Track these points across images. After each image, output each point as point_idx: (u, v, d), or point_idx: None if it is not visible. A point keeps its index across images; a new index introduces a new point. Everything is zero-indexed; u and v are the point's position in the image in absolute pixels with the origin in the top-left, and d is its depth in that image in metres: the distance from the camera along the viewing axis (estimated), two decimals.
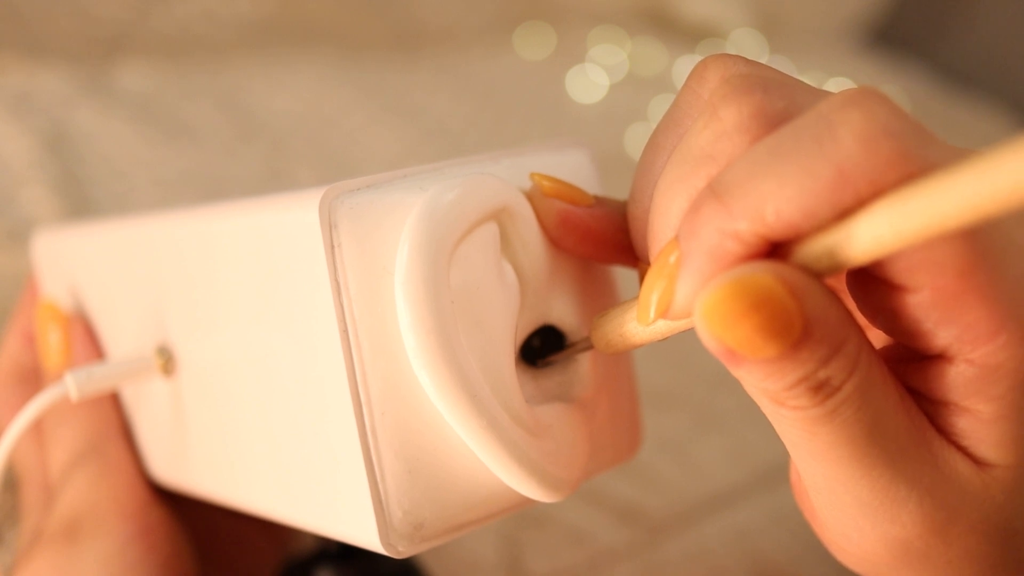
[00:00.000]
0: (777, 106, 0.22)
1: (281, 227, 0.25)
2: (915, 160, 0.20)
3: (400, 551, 0.25)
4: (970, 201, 0.18)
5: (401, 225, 0.24)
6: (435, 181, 0.25)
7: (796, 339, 0.20)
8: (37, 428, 0.37)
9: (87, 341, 0.37)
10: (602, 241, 0.27)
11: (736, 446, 0.56)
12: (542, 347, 0.27)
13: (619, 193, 0.28)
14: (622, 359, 0.30)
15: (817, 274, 0.21)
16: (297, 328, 0.26)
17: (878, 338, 0.25)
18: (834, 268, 0.20)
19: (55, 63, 0.58)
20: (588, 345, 0.27)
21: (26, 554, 0.34)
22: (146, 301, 0.33)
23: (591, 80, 0.74)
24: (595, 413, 0.28)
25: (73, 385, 0.32)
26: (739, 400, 0.58)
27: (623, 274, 0.30)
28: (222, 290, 0.29)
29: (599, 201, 0.27)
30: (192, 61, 0.63)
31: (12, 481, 0.39)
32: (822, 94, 0.23)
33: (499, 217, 0.25)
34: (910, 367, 0.23)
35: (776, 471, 0.55)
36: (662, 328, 0.24)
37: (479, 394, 0.24)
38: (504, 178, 0.26)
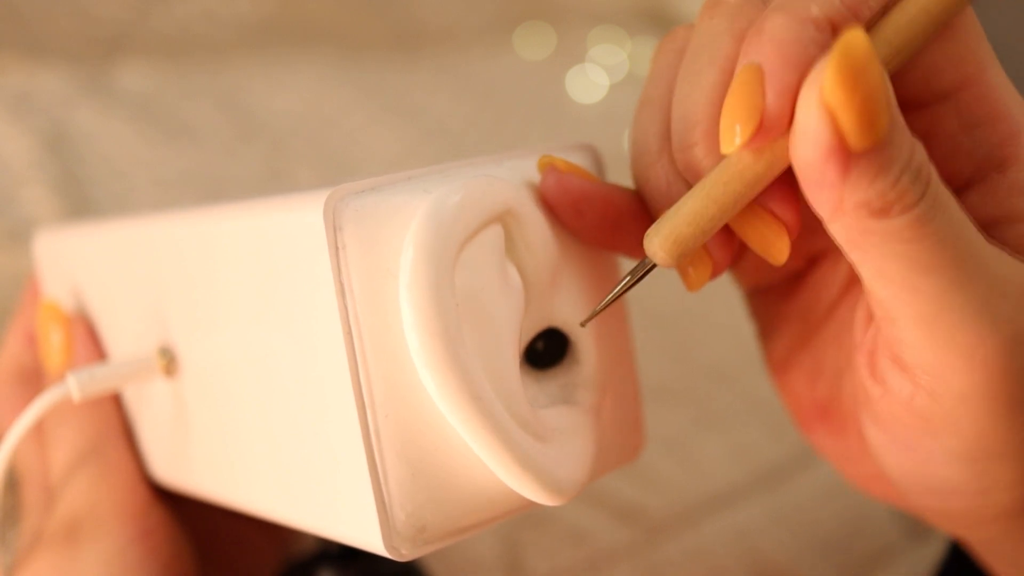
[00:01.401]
0: None
1: (285, 229, 0.25)
2: None
3: (403, 554, 0.25)
4: None
5: (405, 227, 0.24)
6: (439, 184, 0.25)
7: (888, 122, 0.20)
8: (38, 429, 0.37)
9: (88, 342, 0.37)
10: (619, 218, 0.26)
11: (736, 445, 0.56)
12: (547, 351, 0.27)
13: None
14: (625, 360, 0.30)
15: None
16: (300, 329, 0.26)
17: None
18: (894, 56, 0.22)
19: (55, 63, 0.58)
20: (649, 265, 0.25)
21: (26, 555, 0.34)
22: (148, 301, 0.33)
23: (591, 80, 0.74)
24: (599, 416, 0.28)
25: (75, 385, 0.32)
26: (739, 398, 0.58)
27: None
28: (225, 291, 0.29)
29: (611, 183, 0.27)
30: (192, 61, 0.63)
31: (13, 481, 0.39)
32: None
33: (504, 219, 0.25)
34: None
35: (776, 471, 0.55)
36: (734, 182, 0.22)
37: (483, 397, 0.24)
38: (508, 180, 0.26)
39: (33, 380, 0.39)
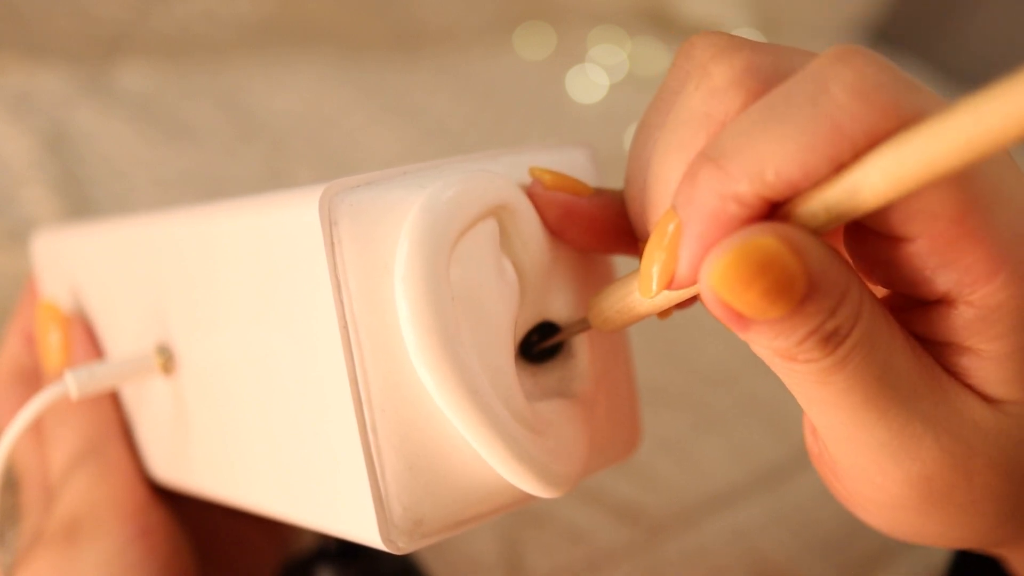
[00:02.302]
0: (767, 60, 0.22)
1: (281, 225, 0.25)
2: (907, 109, 0.20)
3: (400, 547, 0.25)
4: (962, 141, 0.18)
5: (401, 222, 0.24)
6: (434, 179, 0.25)
7: (802, 296, 0.20)
8: (37, 428, 0.37)
9: (87, 341, 0.37)
10: (604, 231, 0.27)
11: (736, 446, 0.56)
12: (541, 343, 0.27)
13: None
14: (621, 356, 0.30)
15: (816, 230, 0.21)
16: (297, 326, 0.26)
17: (877, 290, 0.25)
18: (833, 222, 0.21)
19: (55, 63, 0.58)
20: (585, 326, 0.27)
21: (26, 554, 0.34)
22: (146, 301, 0.33)
23: (591, 80, 0.74)
24: (594, 409, 0.28)
25: (73, 384, 0.32)
26: (739, 399, 0.58)
27: (623, 269, 0.30)
28: (222, 288, 0.29)
29: (599, 192, 0.27)
30: (192, 61, 0.63)
31: (12, 481, 0.39)
32: (808, 54, 0.23)
33: (498, 214, 0.26)
34: (912, 314, 0.24)
35: (776, 471, 0.55)
36: (661, 300, 0.24)
37: (479, 390, 0.24)
38: (503, 175, 0.26)
39: (32, 380, 0.39)
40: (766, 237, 0.20)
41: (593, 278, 0.28)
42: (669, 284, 0.22)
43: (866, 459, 0.24)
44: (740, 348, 0.62)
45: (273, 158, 0.61)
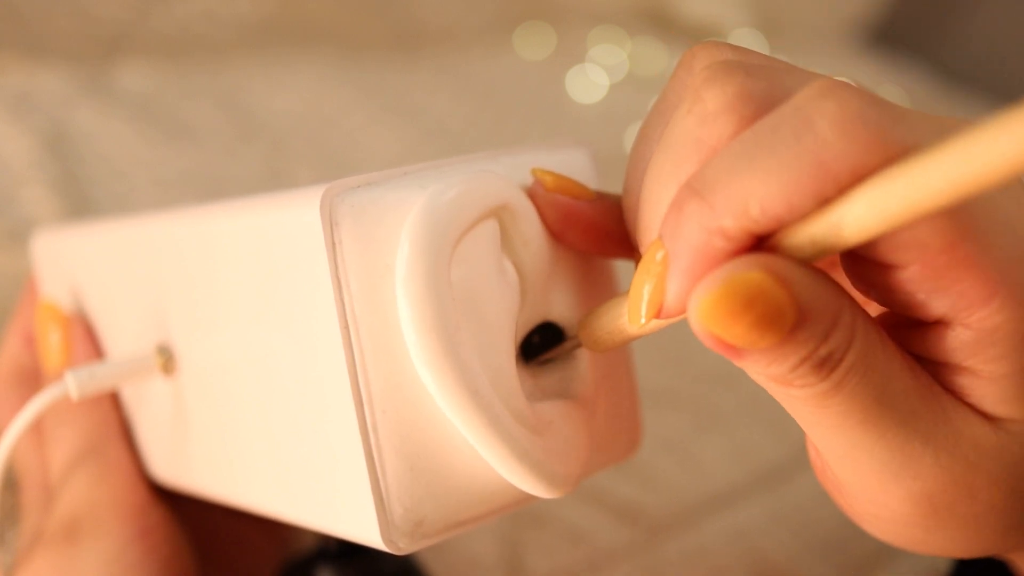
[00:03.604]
0: (760, 86, 0.22)
1: (282, 225, 0.25)
2: (893, 143, 0.20)
3: (401, 548, 0.25)
4: (945, 183, 0.18)
5: (402, 223, 0.24)
6: (435, 179, 0.25)
7: (792, 325, 0.20)
8: (37, 428, 0.37)
9: (87, 341, 0.37)
10: (604, 234, 0.27)
11: (736, 446, 0.56)
12: (542, 344, 0.27)
13: (618, 191, 0.28)
14: (621, 357, 0.30)
15: (803, 261, 0.21)
16: (298, 326, 0.26)
17: (874, 308, 0.25)
18: (819, 255, 0.21)
19: (55, 63, 0.58)
20: (577, 343, 0.27)
21: (26, 555, 0.34)
22: (146, 301, 0.33)
23: (591, 80, 0.74)
24: (595, 410, 0.28)
25: (73, 384, 0.32)
26: (739, 399, 0.58)
27: (623, 270, 0.30)
28: (222, 289, 0.29)
29: (600, 195, 0.27)
30: (192, 61, 0.63)
31: (12, 481, 0.39)
32: (806, 76, 0.23)
33: (499, 214, 0.26)
34: (909, 333, 0.24)
35: (776, 471, 0.55)
36: (651, 326, 0.24)
37: (480, 391, 0.24)
38: (503, 176, 0.26)
39: (32, 380, 0.39)
40: (752, 271, 0.20)
41: (595, 278, 0.28)
42: (658, 314, 0.22)
43: (867, 478, 0.24)
44: None
45: (273, 158, 0.60)
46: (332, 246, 0.24)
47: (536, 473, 0.25)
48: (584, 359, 0.28)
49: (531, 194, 0.27)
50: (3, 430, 0.37)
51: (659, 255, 0.22)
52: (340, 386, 0.24)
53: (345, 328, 0.24)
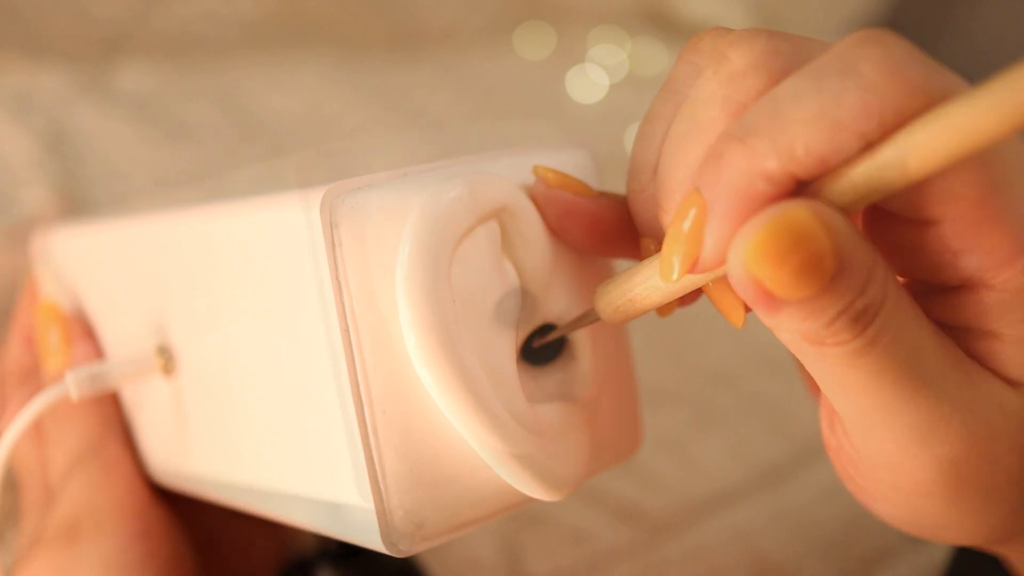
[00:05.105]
0: (786, 45, 0.22)
1: (282, 226, 0.25)
2: (936, 88, 0.20)
3: (401, 550, 0.25)
4: (1002, 112, 0.18)
5: (402, 224, 0.24)
6: (436, 180, 0.25)
7: (832, 274, 0.20)
8: (37, 429, 0.37)
9: (87, 341, 0.37)
10: (605, 231, 0.27)
11: (736, 444, 0.56)
12: (543, 347, 0.27)
13: (618, 191, 0.28)
14: (622, 357, 0.30)
15: (843, 208, 0.21)
16: (298, 326, 0.26)
17: None
18: (861, 200, 0.21)
19: (55, 63, 0.58)
20: (592, 318, 0.26)
21: (26, 555, 0.34)
22: (146, 301, 0.33)
23: (591, 80, 0.74)
24: (596, 412, 0.28)
25: (73, 384, 0.32)
26: (739, 398, 0.58)
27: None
28: (222, 289, 0.29)
29: (602, 194, 0.27)
30: (192, 61, 0.63)
31: (12, 481, 0.39)
32: (824, 43, 0.23)
33: (500, 216, 0.26)
34: (932, 300, 0.24)
35: (776, 471, 0.55)
36: (679, 286, 0.23)
37: (481, 392, 0.24)
38: (504, 177, 0.26)
39: (32, 380, 0.39)
40: (800, 209, 0.20)
41: (595, 281, 0.28)
42: (693, 267, 0.22)
43: (893, 445, 0.23)
44: (741, 347, 0.62)
45: (273, 158, 0.60)
46: (332, 247, 0.24)
47: (536, 475, 0.25)
48: (585, 360, 0.28)
49: (532, 192, 0.27)
50: (4, 430, 0.37)
51: (693, 209, 0.21)
52: (340, 387, 0.24)
53: (345, 328, 0.24)
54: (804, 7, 0.97)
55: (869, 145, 0.20)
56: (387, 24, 0.71)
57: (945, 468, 0.23)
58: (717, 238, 0.21)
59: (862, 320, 0.21)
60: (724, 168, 0.21)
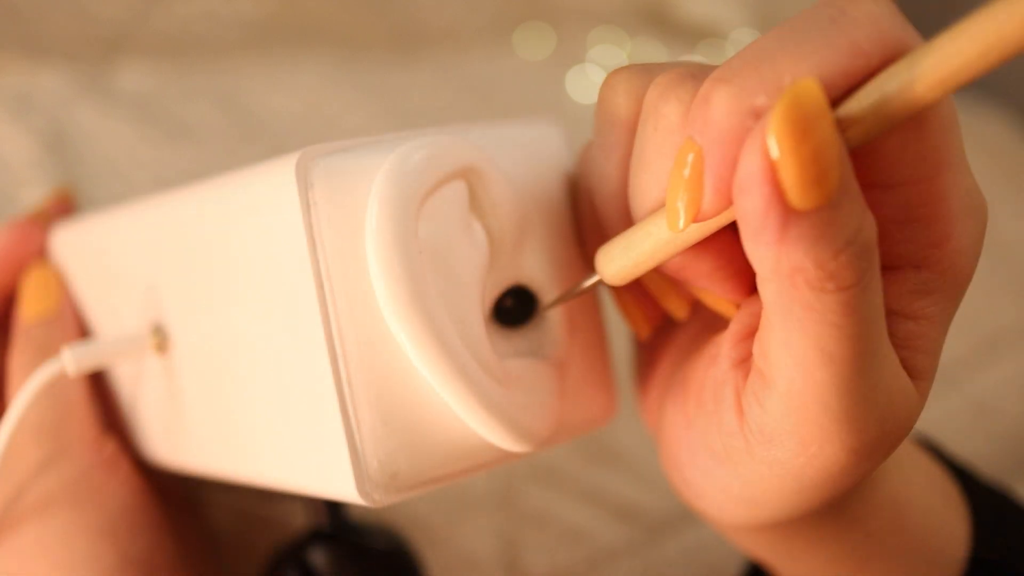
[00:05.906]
0: (700, 69, 0.24)
1: (260, 190, 0.27)
2: (918, 38, 0.21)
3: (376, 500, 0.25)
4: (994, 38, 0.19)
5: (372, 183, 0.25)
6: (406, 143, 0.26)
7: (836, 188, 0.20)
8: None
9: (74, 321, 0.37)
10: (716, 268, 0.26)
11: None
12: (514, 307, 0.28)
13: None
14: (594, 323, 0.30)
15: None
16: (277, 287, 0.26)
17: None
18: (862, 136, 0.21)
19: (55, 63, 0.58)
20: (597, 281, 0.27)
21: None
22: (140, 284, 0.34)
23: (591, 80, 0.74)
24: (566, 373, 0.29)
25: (70, 359, 0.32)
26: None
27: None
28: (209, 260, 0.30)
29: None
30: (192, 61, 0.63)
31: None
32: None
33: (467, 176, 0.26)
34: None
35: None
36: (680, 238, 0.23)
37: (448, 341, 0.24)
38: (472, 141, 0.27)
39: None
40: (810, 84, 0.19)
41: (565, 243, 0.29)
42: (697, 215, 0.22)
43: (815, 425, 0.23)
44: None
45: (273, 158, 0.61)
46: (307, 207, 0.25)
47: (503, 424, 0.25)
48: (557, 323, 0.28)
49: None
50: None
51: (690, 156, 0.22)
52: (316, 342, 0.25)
53: (320, 286, 0.25)
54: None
55: (853, 87, 0.21)
56: (387, 24, 0.71)
57: (857, 453, 0.23)
58: (716, 182, 0.21)
59: (866, 256, 0.21)
60: (713, 110, 0.21)
